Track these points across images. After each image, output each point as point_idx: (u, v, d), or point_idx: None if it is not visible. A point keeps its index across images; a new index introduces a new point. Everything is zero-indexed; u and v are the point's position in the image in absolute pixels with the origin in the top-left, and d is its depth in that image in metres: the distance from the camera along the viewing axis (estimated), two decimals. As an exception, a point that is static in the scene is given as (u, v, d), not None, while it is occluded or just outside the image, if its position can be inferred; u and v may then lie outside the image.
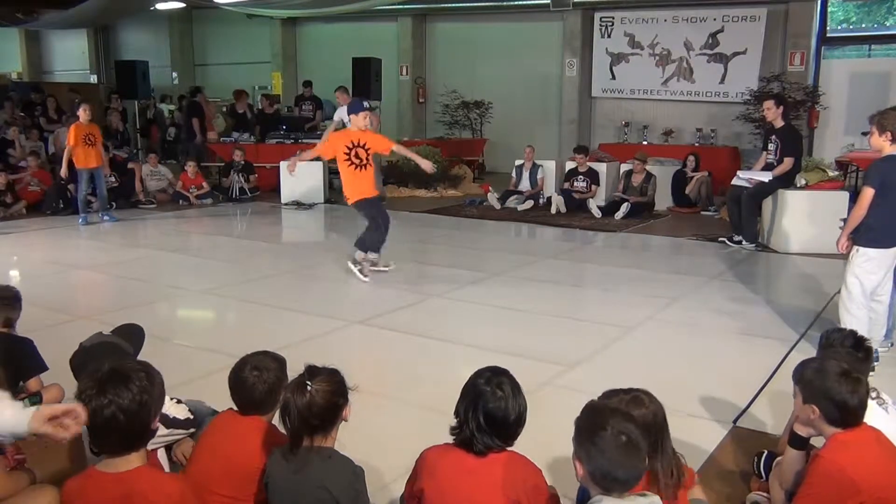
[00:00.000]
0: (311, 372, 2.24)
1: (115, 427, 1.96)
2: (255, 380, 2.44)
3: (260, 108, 13.89)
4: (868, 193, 4.21)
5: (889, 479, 2.26)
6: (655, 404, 2.26)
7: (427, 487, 2.20)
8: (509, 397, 2.16)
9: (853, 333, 2.95)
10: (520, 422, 2.19)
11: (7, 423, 2.03)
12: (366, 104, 6.42)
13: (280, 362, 2.54)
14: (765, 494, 2.80)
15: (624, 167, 10.59)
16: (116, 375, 2.00)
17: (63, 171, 9.25)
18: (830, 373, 2.35)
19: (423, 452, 2.29)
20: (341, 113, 10.88)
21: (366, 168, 6.20)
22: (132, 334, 2.91)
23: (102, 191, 9.58)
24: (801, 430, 2.53)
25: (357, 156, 6.15)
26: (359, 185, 6.22)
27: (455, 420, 2.22)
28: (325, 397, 2.20)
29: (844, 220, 4.44)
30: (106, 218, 9.56)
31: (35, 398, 3.42)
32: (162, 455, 2.73)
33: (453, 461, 2.19)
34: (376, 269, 6.44)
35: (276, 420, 2.48)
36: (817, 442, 2.52)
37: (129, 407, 1.95)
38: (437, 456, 2.24)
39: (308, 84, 14.51)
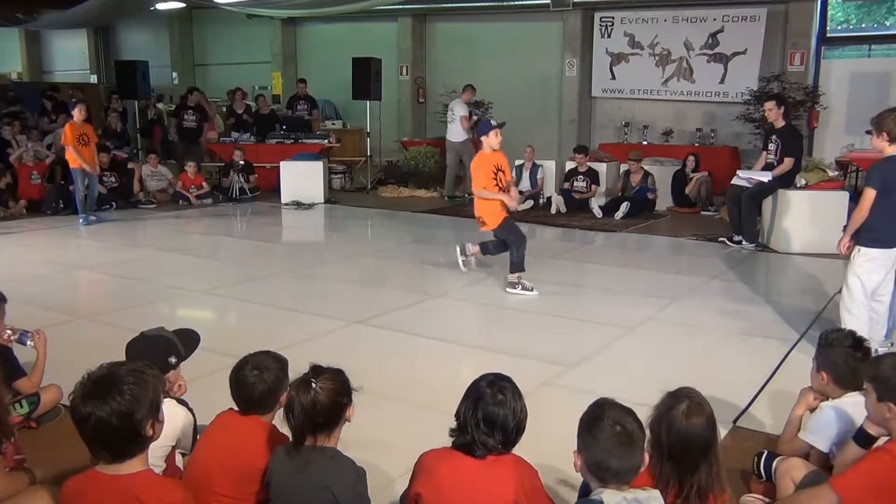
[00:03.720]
0: (316, 371, 2.26)
1: (101, 436, 1.93)
2: (256, 379, 2.43)
3: (255, 108, 13.87)
4: (870, 194, 4.21)
5: None
6: (711, 416, 2.21)
7: (425, 491, 2.20)
8: (509, 402, 2.18)
9: (852, 333, 2.95)
10: (519, 428, 2.20)
11: None
12: (493, 122, 6.06)
13: (281, 362, 2.54)
14: (762, 498, 2.80)
15: (624, 167, 10.60)
16: (101, 384, 1.94)
17: (72, 165, 9.20)
18: None
19: (422, 456, 2.29)
20: (461, 109, 11.40)
21: (506, 191, 6.05)
22: (188, 338, 2.92)
23: (93, 191, 9.54)
24: (873, 430, 2.48)
25: (501, 181, 5.99)
26: (496, 208, 6.02)
27: (455, 422, 2.23)
28: (329, 396, 2.21)
29: (846, 228, 4.44)
30: (92, 218, 9.42)
31: (33, 398, 3.42)
32: (179, 459, 2.73)
33: (452, 464, 2.19)
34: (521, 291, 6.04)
35: (276, 420, 2.49)
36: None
37: (110, 418, 1.90)
38: (436, 459, 2.24)
39: (302, 82, 14.46)
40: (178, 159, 12.75)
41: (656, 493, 2.05)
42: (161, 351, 2.75)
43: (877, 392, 2.34)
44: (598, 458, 2.01)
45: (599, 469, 2.01)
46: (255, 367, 2.46)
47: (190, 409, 2.77)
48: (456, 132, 11.40)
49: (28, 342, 3.47)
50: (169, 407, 2.41)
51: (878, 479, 2.22)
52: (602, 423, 2.01)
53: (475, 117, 11.43)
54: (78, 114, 9.27)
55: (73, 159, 9.12)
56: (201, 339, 2.99)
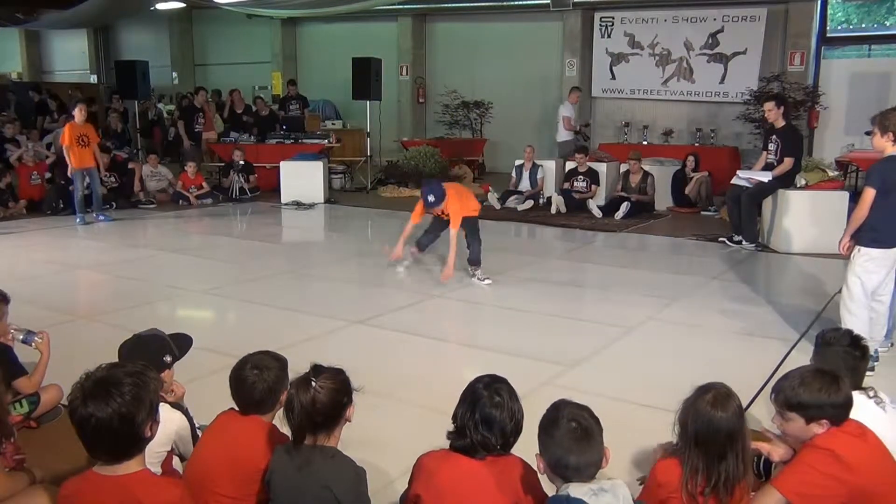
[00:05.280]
0: (317, 370, 2.26)
1: (101, 437, 1.93)
2: (256, 378, 2.43)
3: (255, 109, 13.86)
4: (869, 194, 4.21)
5: (876, 469, 2.27)
6: (738, 408, 2.24)
7: (425, 493, 2.20)
8: (506, 403, 2.19)
9: (849, 332, 2.94)
10: (517, 428, 2.21)
11: None
12: (432, 193, 6.12)
13: (281, 362, 2.53)
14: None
15: (624, 167, 10.59)
16: (101, 385, 1.94)
17: (70, 170, 9.19)
18: (824, 384, 2.33)
19: (420, 458, 2.29)
20: (564, 110, 12.02)
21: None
22: (181, 340, 2.94)
23: (97, 191, 9.56)
24: (779, 456, 2.51)
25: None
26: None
27: (452, 425, 2.23)
28: (329, 395, 2.20)
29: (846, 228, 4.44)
30: (101, 218, 9.52)
31: (33, 398, 3.42)
32: (176, 462, 2.73)
33: (451, 466, 2.19)
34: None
35: (277, 420, 2.49)
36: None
37: (111, 419, 1.90)
38: (435, 461, 2.24)
39: (293, 83, 14.49)
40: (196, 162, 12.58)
41: (619, 481, 2.08)
42: (155, 351, 2.76)
43: (805, 417, 2.35)
44: (556, 456, 2.04)
45: (559, 467, 2.04)
46: (255, 366, 2.46)
47: (186, 413, 2.77)
48: (560, 132, 12.07)
49: (33, 342, 3.47)
50: (164, 412, 2.41)
51: (815, 470, 2.27)
52: (558, 422, 2.05)
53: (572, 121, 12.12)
54: (78, 114, 9.26)
55: (73, 160, 9.12)
56: (202, 340, 3.00)
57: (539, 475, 2.26)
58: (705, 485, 2.16)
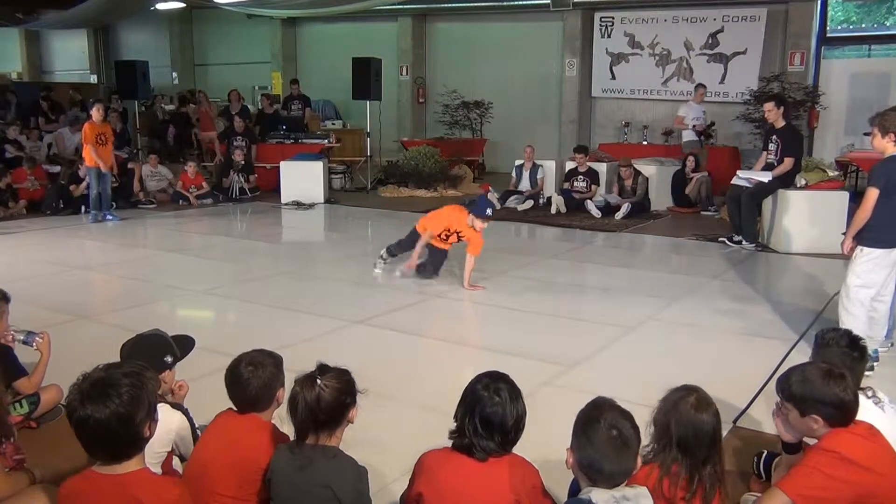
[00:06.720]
0: (322, 369, 2.27)
1: (100, 439, 1.93)
2: (250, 375, 2.43)
3: (260, 108, 13.81)
4: (873, 194, 4.21)
5: (885, 470, 2.27)
6: (717, 412, 2.23)
7: (427, 491, 2.20)
8: (507, 402, 2.17)
9: (848, 333, 2.94)
10: (518, 427, 2.19)
11: None
12: (489, 211, 6.10)
13: (276, 359, 2.53)
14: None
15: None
16: (98, 387, 1.94)
17: (83, 170, 9.29)
18: (817, 379, 2.34)
19: (422, 457, 2.29)
20: (687, 109, 11.23)
21: (445, 241, 6.33)
22: (183, 341, 2.96)
23: (107, 190, 9.60)
24: (791, 438, 2.53)
25: (446, 238, 6.28)
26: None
27: (454, 424, 2.23)
28: (333, 394, 2.21)
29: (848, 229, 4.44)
30: (109, 217, 9.57)
31: (33, 398, 3.42)
32: (176, 462, 2.73)
33: (453, 465, 2.19)
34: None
35: (276, 420, 2.49)
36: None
37: (109, 421, 1.90)
38: (437, 460, 2.24)
39: (295, 82, 14.47)
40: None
41: (644, 490, 2.06)
42: (157, 350, 2.76)
43: (798, 409, 2.37)
44: (590, 459, 2.01)
45: (591, 470, 2.02)
46: (249, 363, 2.46)
47: (186, 413, 2.76)
48: (684, 133, 11.47)
49: (34, 342, 3.47)
50: (164, 412, 2.41)
51: (821, 473, 2.27)
52: (598, 425, 2.02)
53: (694, 122, 11.26)
54: (96, 113, 9.36)
55: (90, 158, 9.21)
56: (202, 340, 3.00)
57: (537, 470, 2.26)
58: (686, 489, 2.14)
